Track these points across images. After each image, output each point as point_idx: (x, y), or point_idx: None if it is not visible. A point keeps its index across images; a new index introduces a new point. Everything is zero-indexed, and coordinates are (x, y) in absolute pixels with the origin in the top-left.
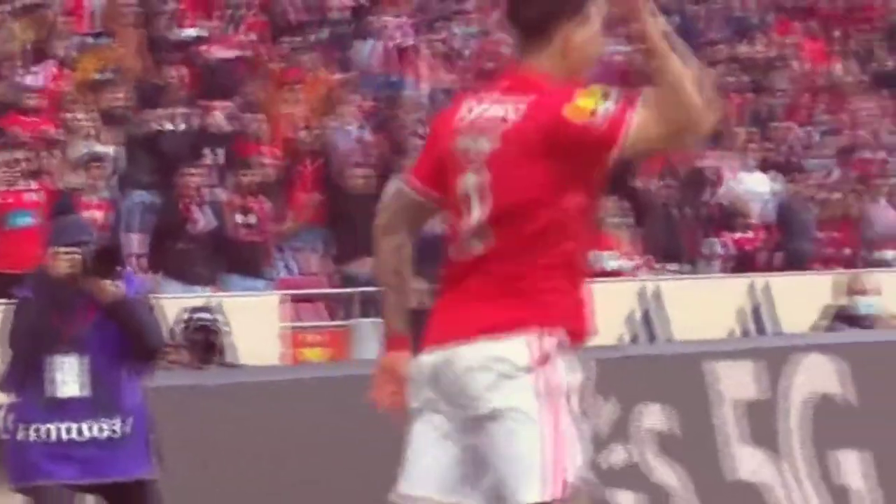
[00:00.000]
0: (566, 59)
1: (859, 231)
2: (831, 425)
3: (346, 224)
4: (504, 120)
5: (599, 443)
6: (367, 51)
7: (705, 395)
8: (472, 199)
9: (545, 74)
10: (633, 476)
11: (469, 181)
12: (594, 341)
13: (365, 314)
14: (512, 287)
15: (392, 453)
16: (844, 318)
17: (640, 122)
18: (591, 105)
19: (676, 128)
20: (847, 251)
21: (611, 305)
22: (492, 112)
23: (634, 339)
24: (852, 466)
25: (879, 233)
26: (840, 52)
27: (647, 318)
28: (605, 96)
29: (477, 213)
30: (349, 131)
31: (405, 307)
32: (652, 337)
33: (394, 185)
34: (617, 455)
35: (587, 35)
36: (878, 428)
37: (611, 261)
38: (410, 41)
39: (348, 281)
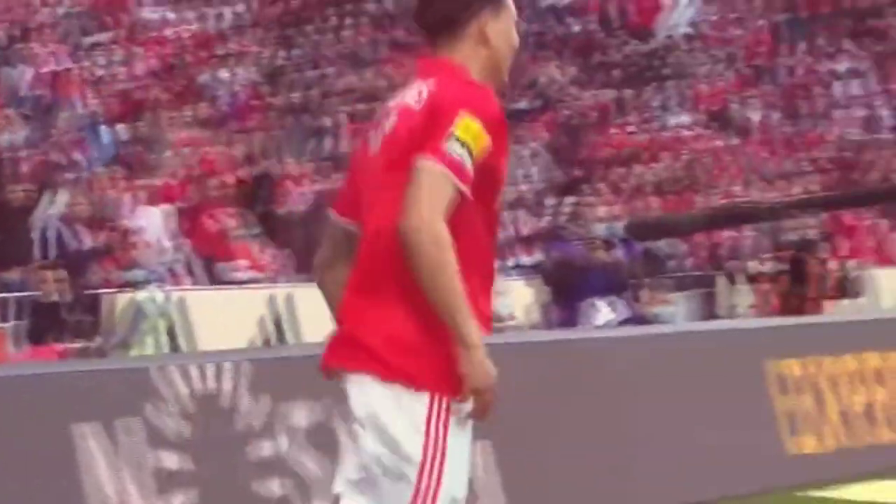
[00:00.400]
0: (486, 52)
1: None
2: None
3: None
4: (404, 108)
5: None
6: (18, 75)
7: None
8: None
9: (450, 63)
10: (280, 468)
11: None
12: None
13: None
14: None
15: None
16: None
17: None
18: (471, 137)
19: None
20: None
21: (243, 311)
22: (389, 117)
23: (267, 343)
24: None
25: None
26: None
27: (278, 323)
28: (478, 143)
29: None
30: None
31: None
32: (283, 340)
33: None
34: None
35: (502, 26)
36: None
37: (239, 272)
38: (63, 66)
39: (3, 287)
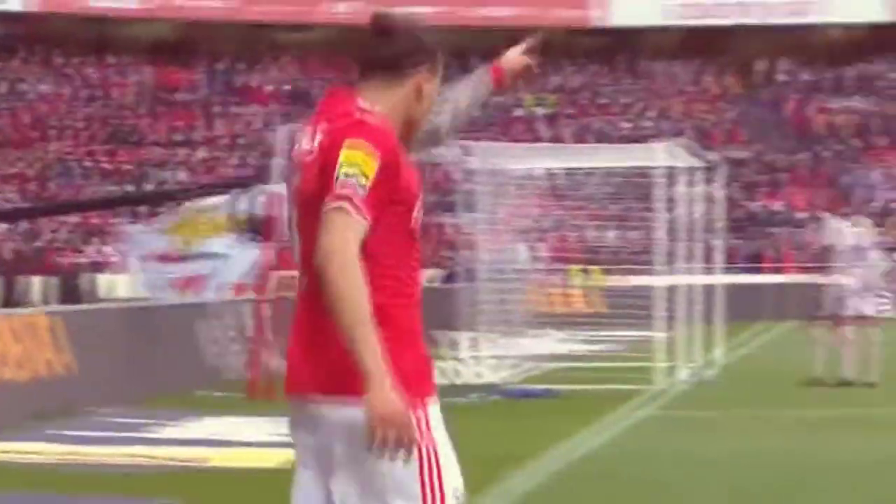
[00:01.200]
0: (415, 107)
1: None
2: None
3: None
4: (309, 152)
5: None
6: None
7: None
8: (293, 234)
9: (356, 102)
10: None
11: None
12: None
13: None
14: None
15: None
16: None
17: (344, 223)
18: (355, 161)
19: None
20: None
21: None
22: (303, 144)
23: None
24: None
25: None
26: None
27: None
28: (367, 168)
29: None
30: None
31: None
32: None
33: None
34: None
35: (432, 88)
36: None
37: None
38: None
39: None
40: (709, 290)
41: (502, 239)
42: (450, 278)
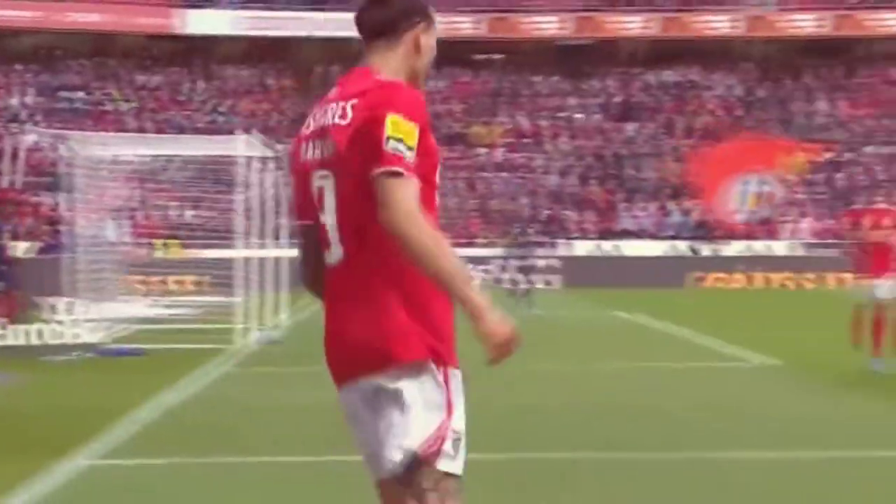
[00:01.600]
0: (416, 59)
1: None
2: None
3: None
4: (336, 125)
5: None
6: None
7: None
8: (324, 204)
9: (380, 70)
10: None
11: (315, 186)
12: None
13: None
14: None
15: None
16: None
17: (400, 187)
18: (402, 132)
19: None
20: None
21: None
22: (328, 117)
23: None
24: None
25: None
26: None
27: None
28: (411, 138)
29: (329, 218)
30: None
31: None
32: None
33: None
34: None
35: (432, 41)
36: None
37: None
38: None
39: None
40: (277, 262)
41: (96, 216)
42: (44, 250)
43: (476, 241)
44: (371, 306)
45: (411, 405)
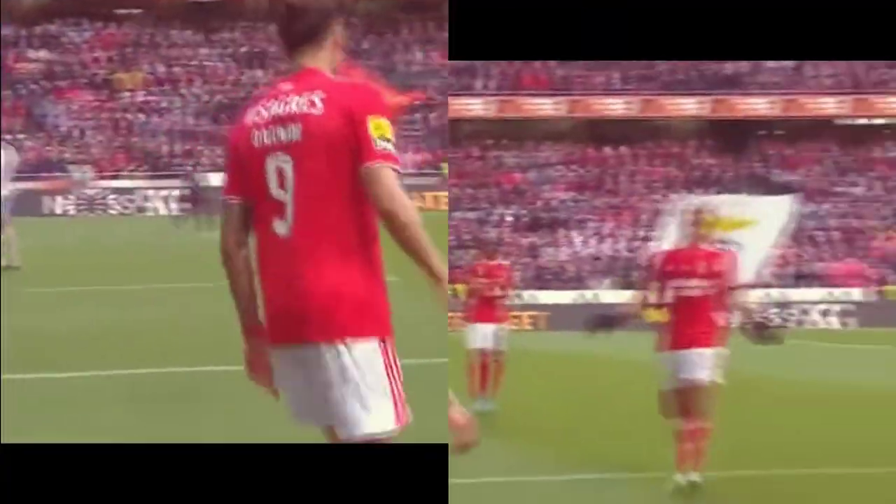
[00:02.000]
0: (338, 52)
1: None
2: None
3: None
4: (305, 114)
5: None
6: None
7: None
8: (283, 182)
9: (321, 70)
10: None
11: (271, 167)
12: None
13: None
14: None
15: None
16: None
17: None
18: (385, 132)
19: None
20: None
21: None
22: (291, 106)
23: None
24: None
25: None
26: None
27: None
28: (390, 133)
29: (287, 195)
30: None
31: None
32: None
33: (223, 213)
34: None
35: (342, 36)
36: None
37: None
38: None
39: None
40: None
41: None
42: None
43: (120, 174)
44: (322, 277)
45: (358, 381)
